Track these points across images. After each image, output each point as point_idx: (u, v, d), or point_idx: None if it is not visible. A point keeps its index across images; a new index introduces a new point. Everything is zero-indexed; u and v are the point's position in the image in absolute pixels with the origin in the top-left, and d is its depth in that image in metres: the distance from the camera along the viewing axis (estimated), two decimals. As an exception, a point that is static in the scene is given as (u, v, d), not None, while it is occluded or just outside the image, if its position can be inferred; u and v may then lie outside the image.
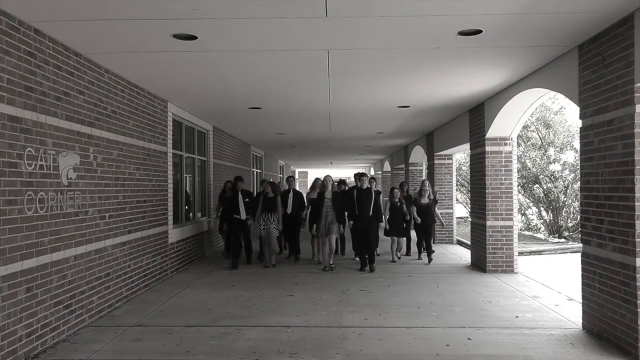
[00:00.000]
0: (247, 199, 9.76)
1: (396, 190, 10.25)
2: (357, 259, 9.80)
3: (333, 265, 9.24)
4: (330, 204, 9.18)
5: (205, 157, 11.72)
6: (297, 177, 45.92)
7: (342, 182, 10.68)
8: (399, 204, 10.06)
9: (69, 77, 5.41)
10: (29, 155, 4.68)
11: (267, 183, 9.87)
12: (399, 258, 10.36)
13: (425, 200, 10.29)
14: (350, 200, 9.24)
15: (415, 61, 6.22)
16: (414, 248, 10.89)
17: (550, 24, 4.87)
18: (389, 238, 10.33)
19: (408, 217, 10.17)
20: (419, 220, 10.11)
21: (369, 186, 9.34)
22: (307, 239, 10.55)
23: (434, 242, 11.03)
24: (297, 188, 11.34)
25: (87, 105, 5.80)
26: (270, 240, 9.53)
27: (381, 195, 9.58)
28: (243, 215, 9.65)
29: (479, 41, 5.35)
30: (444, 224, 11.33)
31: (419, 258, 10.47)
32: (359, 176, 9.54)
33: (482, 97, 8.56)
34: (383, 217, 9.44)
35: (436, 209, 10.38)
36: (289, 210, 10.21)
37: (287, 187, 10.67)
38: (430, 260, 10.00)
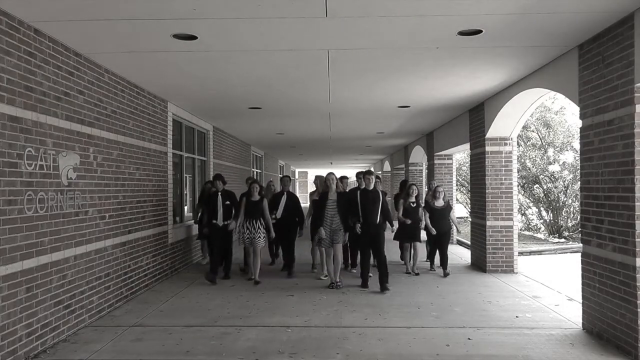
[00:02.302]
0: (227, 202, 8.27)
1: (414, 187, 8.73)
2: (354, 271, 8.70)
3: (340, 284, 7.63)
4: (334, 208, 7.61)
5: (205, 157, 11.72)
6: (297, 176, 45.56)
7: (343, 177, 9.22)
8: (414, 204, 8.65)
9: (69, 77, 5.41)
10: (29, 155, 4.68)
11: (251, 183, 8.46)
12: (417, 274, 8.66)
13: (440, 203, 8.81)
14: (354, 204, 7.59)
15: (415, 61, 6.22)
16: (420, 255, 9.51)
17: (550, 24, 4.87)
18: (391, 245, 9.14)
19: (422, 223, 8.71)
20: (433, 231, 8.65)
21: (376, 188, 7.75)
22: (304, 247, 9.82)
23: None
24: (297, 189, 10.73)
25: (87, 105, 5.80)
26: (256, 250, 8.13)
27: (386, 196, 8.04)
28: (220, 221, 8.19)
29: (479, 41, 5.35)
30: (459, 229, 9.78)
31: (432, 269, 9.07)
32: (363, 175, 7.82)
33: (482, 97, 8.56)
34: (391, 221, 7.90)
35: (452, 213, 9.08)
36: (278, 215, 8.77)
37: (280, 189, 9.24)
38: (446, 274, 8.51)
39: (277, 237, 8.74)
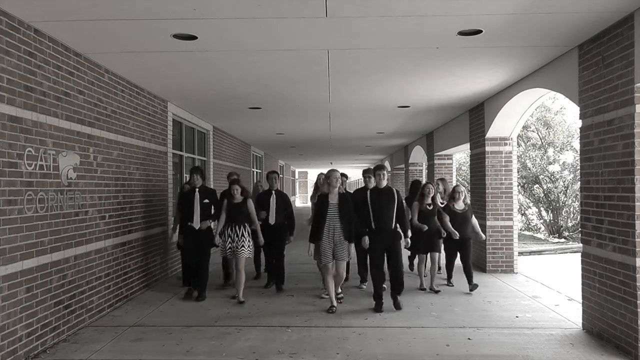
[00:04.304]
0: (205, 200, 6.93)
1: (430, 187, 7.41)
2: (364, 287, 7.46)
3: (341, 296, 6.64)
4: (336, 213, 6.17)
5: (205, 157, 11.73)
6: (297, 176, 45.40)
7: (342, 175, 7.36)
8: (431, 207, 7.37)
9: (69, 77, 5.41)
10: (29, 155, 4.68)
11: (231, 183, 6.98)
12: (437, 291, 7.27)
13: (460, 206, 7.47)
14: (363, 206, 6.30)
15: (415, 61, 6.22)
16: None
17: (550, 24, 4.87)
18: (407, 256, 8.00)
19: (443, 232, 7.34)
20: (456, 234, 7.20)
21: (390, 186, 6.42)
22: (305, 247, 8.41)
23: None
24: (297, 189, 9.85)
25: (87, 105, 5.80)
26: (239, 263, 6.73)
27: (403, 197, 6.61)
28: (197, 223, 6.86)
29: (479, 41, 5.35)
30: (484, 236, 8.00)
31: (449, 283, 7.75)
32: (374, 171, 6.52)
33: (482, 97, 8.56)
34: (406, 229, 6.53)
35: (474, 218, 7.64)
36: (271, 220, 7.46)
37: (268, 187, 7.86)
38: (472, 287, 7.22)
39: (265, 246, 7.39)
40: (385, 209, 6.20)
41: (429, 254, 7.52)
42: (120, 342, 5.19)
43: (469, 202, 7.73)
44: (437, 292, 7.26)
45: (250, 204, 6.90)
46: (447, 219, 7.32)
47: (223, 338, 5.29)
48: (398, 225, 6.39)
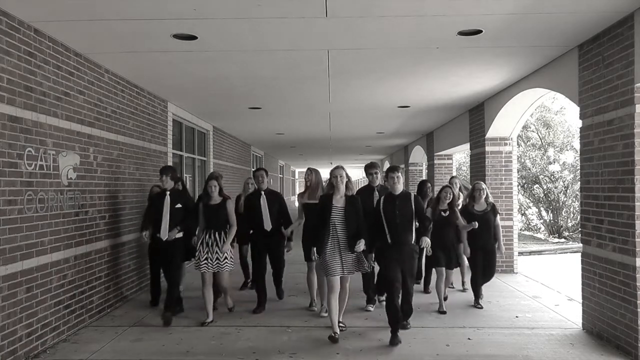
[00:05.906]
0: (178, 204, 5.87)
1: (449, 190, 6.32)
2: (371, 308, 6.29)
3: (343, 327, 5.41)
4: (341, 218, 5.18)
5: (205, 157, 11.73)
6: (296, 176, 45.25)
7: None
8: (447, 214, 6.33)
9: (69, 77, 5.41)
10: (29, 155, 4.68)
11: (208, 180, 5.96)
12: (443, 312, 6.16)
13: (481, 207, 6.38)
14: (373, 211, 5.29)
15: (415, 61, 6.22)
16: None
17: (550, 24, 4.87)
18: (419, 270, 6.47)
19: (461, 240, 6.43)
20: (467, 252, 6.37)
21: (406, 190, 5.32)
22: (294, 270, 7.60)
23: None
24: (297, 190, 9.25)
25: (87, 105, 5.80)
26: (221, 278, 5.92)
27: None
28: (165, 233, 5.77)
29: (479, 41, 5.35)
30: (503, 248, 6.68)
31: (478, 304, 6.43)
32: (387, 173, 5.31)
33: (482, 97, 8.56)
34: (427, 230, 5.25)
35: (497, 220, 6.43)
36: (267, 226, 6.24)
37: (254, 188, 6.68)
38: (478, 302, 6.44)
39: (257, 256, 6.35)
40: (402, 220, 5.08)
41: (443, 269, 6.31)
42: (120, 342, 5.19)
43: (492, 200, 6.48)
44: (443, 312, 6.17)
45: (229, 205, 5.92)
46: (464, 234, 6.36)
47: (223, 338, 5.28)
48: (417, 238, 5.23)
